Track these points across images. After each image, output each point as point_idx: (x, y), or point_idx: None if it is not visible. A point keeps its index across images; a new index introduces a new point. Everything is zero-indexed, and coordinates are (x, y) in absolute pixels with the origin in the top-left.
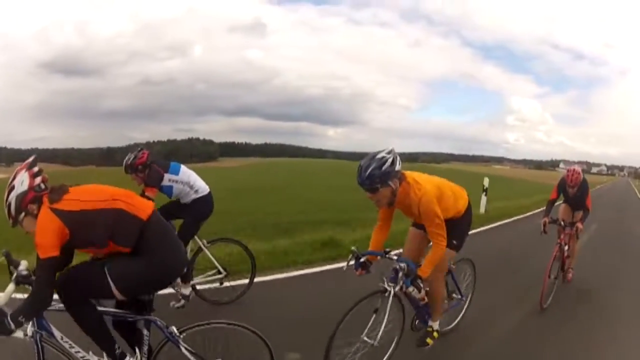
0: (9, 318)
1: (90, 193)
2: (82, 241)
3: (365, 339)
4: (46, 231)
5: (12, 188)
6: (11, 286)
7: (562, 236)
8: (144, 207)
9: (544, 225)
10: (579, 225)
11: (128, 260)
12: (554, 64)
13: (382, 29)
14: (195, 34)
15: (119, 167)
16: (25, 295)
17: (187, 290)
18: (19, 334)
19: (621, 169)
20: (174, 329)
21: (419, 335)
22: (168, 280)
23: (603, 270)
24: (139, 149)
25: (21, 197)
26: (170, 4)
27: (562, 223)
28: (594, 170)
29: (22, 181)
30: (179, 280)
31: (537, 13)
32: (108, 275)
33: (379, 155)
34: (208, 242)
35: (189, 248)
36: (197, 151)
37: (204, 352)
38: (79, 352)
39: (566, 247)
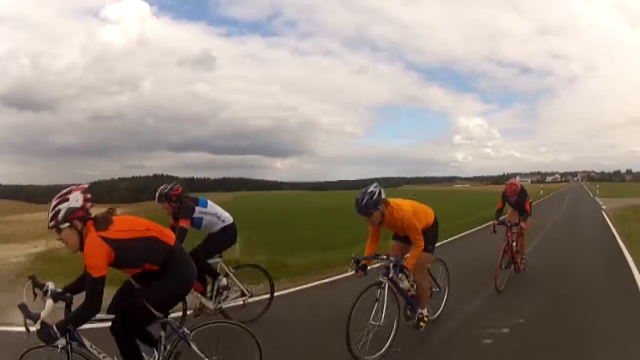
0: (54, 328)
1: (130, 224)
2: (124, 263)
3: (372, 322)
4: (97, 254)
5: (66, 200)
6: (50, 302)
7: (509, 234)
8: (170, 235)
9: (494, 227)
10: (523, 224)
11: (159, 286)
12: (500, 80)
13: (327, 58)
14: (145, 68)
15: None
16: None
17: (211, 305)
18: (61, 342)
19: (574, 174)
20: (186, 329)
21: (414, 322)
22: (187, 292)
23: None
24: (174, 183)
25: (72, 211)
26: (121, 37)
27: (509, 224)
28: (549, 179)
29: (77, 199)
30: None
31: (480, 32)
32: (147, 304)
33: (370, 190)
34: (234, 268)
35: (219, 269)
36: None
37: (208, 349)
38: (106, 357)
39: (514, 244)
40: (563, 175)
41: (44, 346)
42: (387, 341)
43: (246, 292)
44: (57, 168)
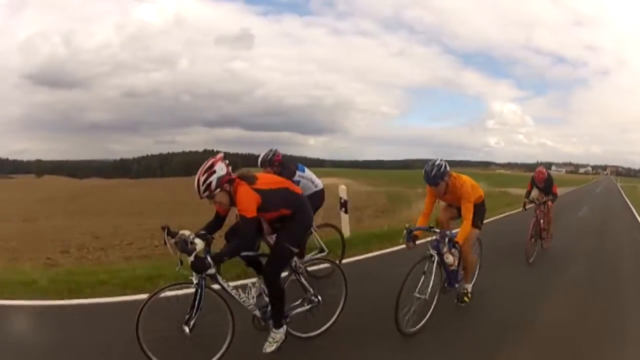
0: (209, 259)
1: (269, 179)
2: (267, 207)
3: (418, 295)
4: (250, 201)
5: (214, 172)
6: (199, 240)
7: (537, 212)
8: (297, 188)
9: (524, 205)
10: (549, 203)
11: (291, 229)
12: (535, 68)
13: (364, 39)
14: (182, 46)
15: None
16: None
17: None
18: (211, 270)
19: (604, 168)
20: (299, 263)
21: (458, 296)
22: (310, 227)
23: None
24: (275, 149)
25: (221, 178)
26: (158, 16)
27: (537, 202)
28: (581, 170)
29: (222, 168)
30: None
31: (518, 19)
32: (290, 246)
33: (437, 162)
34: (317, 227)
35: None
36: None
37: (309, 283)
38: (233, 289)
39: (542, 221)
40: (594, 167)
41: (176, 284)
42: (427, 314)
43: (324, 249)
44: (89, 144)
